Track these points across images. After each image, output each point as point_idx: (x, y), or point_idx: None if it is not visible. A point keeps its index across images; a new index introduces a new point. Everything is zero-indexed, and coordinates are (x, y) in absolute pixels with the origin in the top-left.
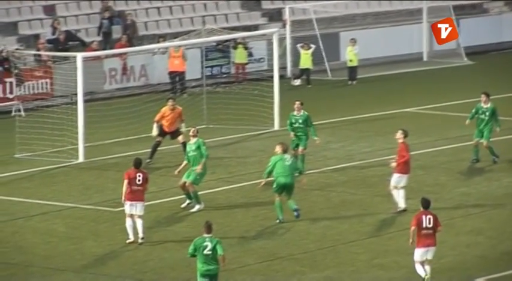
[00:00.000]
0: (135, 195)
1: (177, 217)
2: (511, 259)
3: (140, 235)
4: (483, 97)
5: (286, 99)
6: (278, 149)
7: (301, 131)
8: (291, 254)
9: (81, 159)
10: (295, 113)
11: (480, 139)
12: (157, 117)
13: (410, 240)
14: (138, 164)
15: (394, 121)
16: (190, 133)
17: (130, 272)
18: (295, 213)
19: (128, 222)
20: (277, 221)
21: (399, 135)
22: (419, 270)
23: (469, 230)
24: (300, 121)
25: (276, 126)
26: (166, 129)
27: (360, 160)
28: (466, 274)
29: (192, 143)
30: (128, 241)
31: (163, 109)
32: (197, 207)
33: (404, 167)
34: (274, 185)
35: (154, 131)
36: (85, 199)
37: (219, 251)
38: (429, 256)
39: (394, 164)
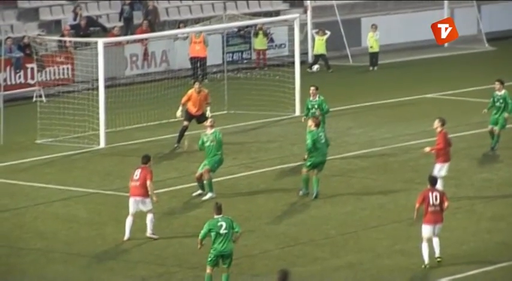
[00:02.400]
0: (133, 190)
1: (198, 202)
2: None
3: (148, 231)
4: (497, 85)
5: (307, 85)
6: (311, 123)
7: None
8: (312, 239)
9: (102, 145)
10: (311, 98)
11: (495, 126)
12: (183, 100)
13: (414, 216)
14: (142, 159)
15: (415, 107)
16: (208, 124)
17: (151, 257)
18: (315, 193)
19: (128, 219)
20: (301, 193)
21: (437, 124)
22: (424, 253)
23: (490, 216)
24: (316, 106)
25: (297, 112)
26: (193, 113)
27: (381, 145)
28: (487, 260)
29: (209, 133)
30: (124, 238)
31: (190, 92)
32: (209, 195)
33: (443, 157)
34: (310, 162)
35: (179, 112)
36: (106, 185)
37: (237, 229)
38: (437, 232)
39: (427, 149)
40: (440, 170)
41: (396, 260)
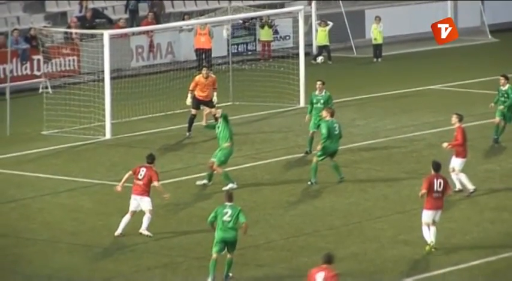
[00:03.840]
0: (136, 189)
1: (204, 193)
2: None
3: (142, 227)
4: (502, 80)
5: (312, 76)
6: (326, 114)
7: (320, 112)
8: (316, 230)
9: (108, 136)
10: (316, 92)
11: (502, 118)
12: (191, 86)
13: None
14: (147, 158)
15: (418, 98)
16: (218, 115)
17: (157, 248)
18: (341, 176)
19: (125, 217)
20: (309, 183)
21: (454, 119)
22: (426, 234)
23: (493, 207)
24: (322, 101)
25: (302, 104)
26: (201, 98)
27: (385, 136)
28: (490, 250)
29: (220, 123)
30: (115, 233)
31: (197, 77)
32: (230, 186)
33: (463, 152)
34: (321, 152)
35: (188, 100)
36: (112, 176)
37: (241, 219)
38: (437, 218)
39: (445, 144)
40: (460, 165)
41: (400, 250)
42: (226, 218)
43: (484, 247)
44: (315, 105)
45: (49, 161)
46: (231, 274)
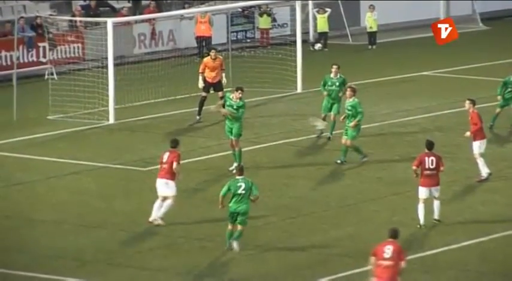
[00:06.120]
0: (161, 172)
1: (205, 176)
2: None
3: (159, 213)
4: None
5: (309, 63)
6: (351, 93)
7: (336, 95)
8: (313, 212)
9: (111, 120)
10: (332, 75)
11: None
12: (201, 69)
13: (414, 176)
14: (171, 143)
15: (412, 84)
16: (238, 95)
17: (159, 229)
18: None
19: (156, 202)
20: (339, 161)
21: (468, 105)
22: (420, 213)
23: (485, 189)
24: (337, 84)
25: (299, 89)
26: (210, 81)
27: (380, 121)
28: (482, 231)
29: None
30: (149, 219)
31: (206, 59)
32: (234, 165)
33: (481, 134)
34: (357, 132)
35: (201, 83)
36: (116, 159)
37: (255, 192)
38: (436, 195)
39: (468, 134)
40: (480, 147)
41: None
42: (241, 191)
43: (476, 227)
44: (329, 88)
45: (55, 144)
46: (235, 244)
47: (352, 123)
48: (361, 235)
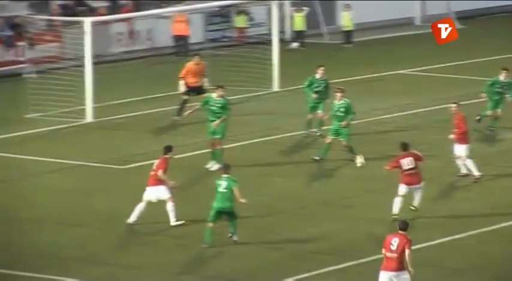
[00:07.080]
0: (149, 180)
1: (183, 174)
2: (500, 213)
3: (171, 220)
4: (504, 73)
5: (286, 61)
6: (342, 94)
7: (322, 95)
8: (288, 209)
9: (89, 119)
10: (317, 76)
11: (496, 109)
12: (182, 74)
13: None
14: (164, 149)
15: (387, 83)
16: (220, 92)
17: (137, 227)
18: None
19: (139, 205)
20: (317, 158)
21: (454, 108)
22: (396, 205)
23: (460, 187)
24: (324, 85)
25: (276, 88)
26: (192, 85)
27: (357, 119)
28: (458, 228)
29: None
30: (129, 221)
31: (188, 64)
32: (216, 166)
33: (465, 138)
34: (348, 130)
35: (182, 86)
36: (94, 157)
37: (231, 185)
38: (417, 193)
39: (452, 136)
40: (465, 150)
41: (370, 228)
42: (221, 189)
43: (451, 225)
44: (315, 89)
45: (33, 143)
46: (235, 237)
47: (344, 123)
48: (338, 232)
